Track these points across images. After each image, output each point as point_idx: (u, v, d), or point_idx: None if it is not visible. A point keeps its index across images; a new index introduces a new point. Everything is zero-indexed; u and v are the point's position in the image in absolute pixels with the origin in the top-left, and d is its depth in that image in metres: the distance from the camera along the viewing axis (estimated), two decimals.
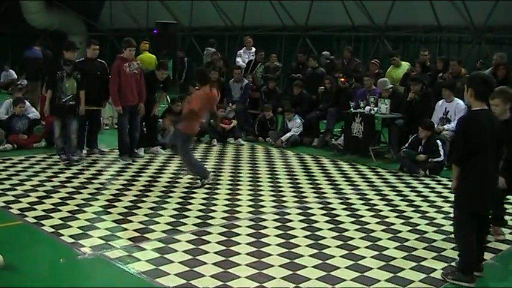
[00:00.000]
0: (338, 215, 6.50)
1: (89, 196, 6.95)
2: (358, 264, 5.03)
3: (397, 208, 6.91)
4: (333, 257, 5.17)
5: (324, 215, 6.49)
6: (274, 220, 6.21)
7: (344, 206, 6.89)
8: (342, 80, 11.24)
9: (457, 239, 4.94)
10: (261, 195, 7.29)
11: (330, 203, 7.01)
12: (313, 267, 4.92)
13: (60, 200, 6.69)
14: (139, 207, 6.53)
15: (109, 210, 6.44)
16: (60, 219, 5.98)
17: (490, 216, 5.24)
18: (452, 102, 9.45)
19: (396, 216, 6.56)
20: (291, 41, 18.98)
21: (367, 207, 6.87)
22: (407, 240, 5.74)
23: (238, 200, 7.01)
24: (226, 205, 6.74)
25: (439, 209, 6.93)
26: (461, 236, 4.76)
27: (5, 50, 24.01)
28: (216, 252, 5.17)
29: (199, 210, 6.49)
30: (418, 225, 6.27)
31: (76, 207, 6.43)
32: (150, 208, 6.52)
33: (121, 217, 6.16)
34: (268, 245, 5.42)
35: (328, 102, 11.36)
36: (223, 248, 5.30)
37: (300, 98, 11.87)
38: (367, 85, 10.72)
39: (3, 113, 10.38)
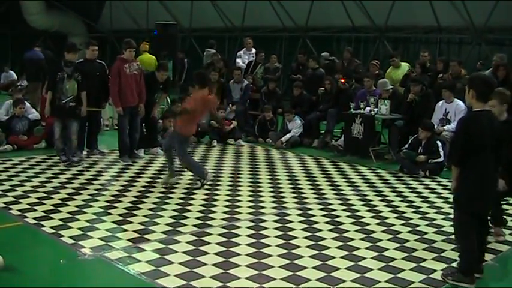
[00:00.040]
0: (338, 216, 6.50)
1: (89, 197, 6.95)
2: (358, 265, 5.03)
3: (397, 209, 6.91)
4: (333, 257, 5.17)
5: (324, 215, 6.49)
6: (274, 221, 6.21)
7: (344, 207, 6.89)
8: (342, 81, 11.24)
9: (457, 239, 4.95)
10: (261, 196, 7.29)
11: (330, 204, 7.01)
12: (313, 268, 4.92)
13: (60, 201, 6.69)
14: (139, 208, 6.53)
15: (109, 211, 6.43)
16: (60, 220, 5.98)
17: (489, 217, 5.24)
18: (453, 103, 9.45)
19: (396, 217, 6.56)
20: (291, 42, 18.99)
21: (367, 208, 6.87)
22: (408, 241, 5.74)
23: (238, 201, 7.01)
24: (226, 206, 6.74)
25: (439, 210, 6.93)
26: (462, 236, 4.76)
27: (5, 50, 24.02)
28: (216, 253, 5.17)
29: (199, 211, 6.49)
30: (418, 226, 6.26)
31: (76, 208, 6.43)
32: (150, 209, 6.52)
33: (121, 218, 6.16)
34: (268, 246, 5.42)
35: (328, 103, 11.36)
36: (223, 249, 5.29)
37: (300, 99, 11.87)
38: (367, 86, 10.72)
39: (3, 114, 10.38)
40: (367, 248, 5.45)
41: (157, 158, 9.56)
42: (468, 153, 4.60)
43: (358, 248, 5.44)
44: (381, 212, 6.75)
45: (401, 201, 7.31)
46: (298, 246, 5.42)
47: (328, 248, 5.42)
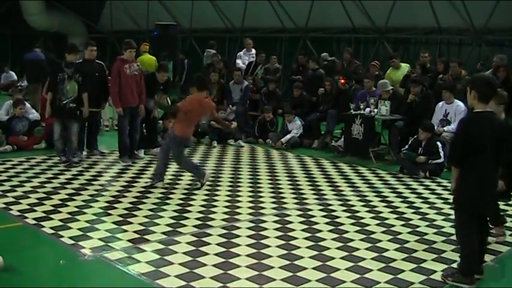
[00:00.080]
0: (338, 217, 6.50)
1: (89, 197, 6.95)
2: (358, 265, 5.03)
3: (397, 210, 6.91)
4: (333, 258, 5.17)
5: (324, 216, 6.49)
6: (274, 222, 6.21)
7: (344, 208, 6.89)
8: (342, 81, 11.25)
9: (458, 240, 4.95)
10: (261, 196, 7.29)
11: (330, 205, 7.01)
12: (313, 268, 4.92)
13: (60, 202, 6.69)
14: (139, 209, 6.53)
15: (109, 211, 6.43)
16: (60, 220, 5.98)
17: (488, 218, 5.24)
18: (453, 104, 9.46)
19: (396, 218, 6.56)
20: (291, 42, 18.98)
21: (367, 209, 6.87)
22: (408, 241, 5.74)
23: (238, 201, 7.01)
24: (226, 207, 6.74)
25: (439, 211, 6.93)
26: (463, 236, 4.76)
27: (5, 51, 24.04)
28: (216, 254, 5.17)
29: (199, 212, 6.49)
30: (418, 226, 6.26)
31: (76, 209, 6.43)
32: (150, 210, 6.52)
33: (121, 219, 6.16)
34: (268, 246, 5.42)
35: (328, 104, 11.37)
36: (223, 249, 5.30)
37: (300, 99, 11.88)
38: (367, 87, 10.72)
39: (3, 115, 10.38)
40: (367, 249, 5.45)
41: (157, 158, 9.52)
42: (468, 154, 4.60)
43: (358, 249, 5.44)
44: (381, 212, 6.75)
45: (402, 202, 7.31)
46: (298, 247, 5.42)
47: (328, 248, 5.42)
